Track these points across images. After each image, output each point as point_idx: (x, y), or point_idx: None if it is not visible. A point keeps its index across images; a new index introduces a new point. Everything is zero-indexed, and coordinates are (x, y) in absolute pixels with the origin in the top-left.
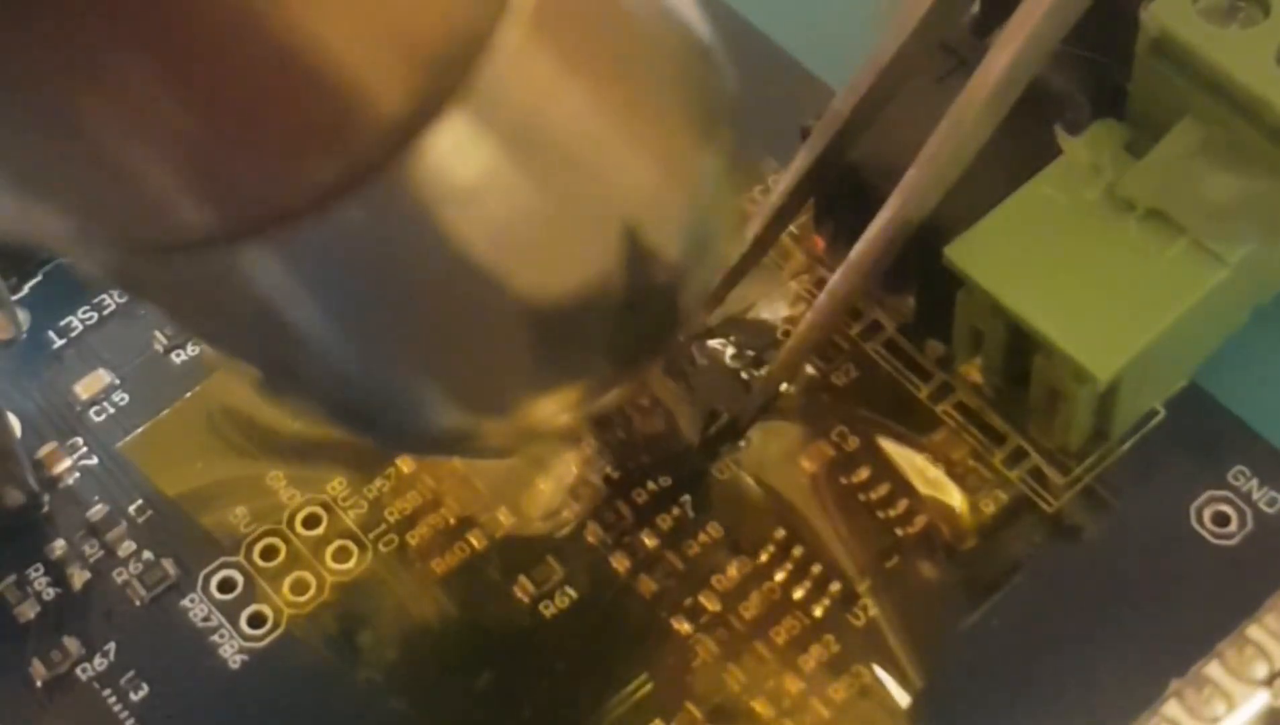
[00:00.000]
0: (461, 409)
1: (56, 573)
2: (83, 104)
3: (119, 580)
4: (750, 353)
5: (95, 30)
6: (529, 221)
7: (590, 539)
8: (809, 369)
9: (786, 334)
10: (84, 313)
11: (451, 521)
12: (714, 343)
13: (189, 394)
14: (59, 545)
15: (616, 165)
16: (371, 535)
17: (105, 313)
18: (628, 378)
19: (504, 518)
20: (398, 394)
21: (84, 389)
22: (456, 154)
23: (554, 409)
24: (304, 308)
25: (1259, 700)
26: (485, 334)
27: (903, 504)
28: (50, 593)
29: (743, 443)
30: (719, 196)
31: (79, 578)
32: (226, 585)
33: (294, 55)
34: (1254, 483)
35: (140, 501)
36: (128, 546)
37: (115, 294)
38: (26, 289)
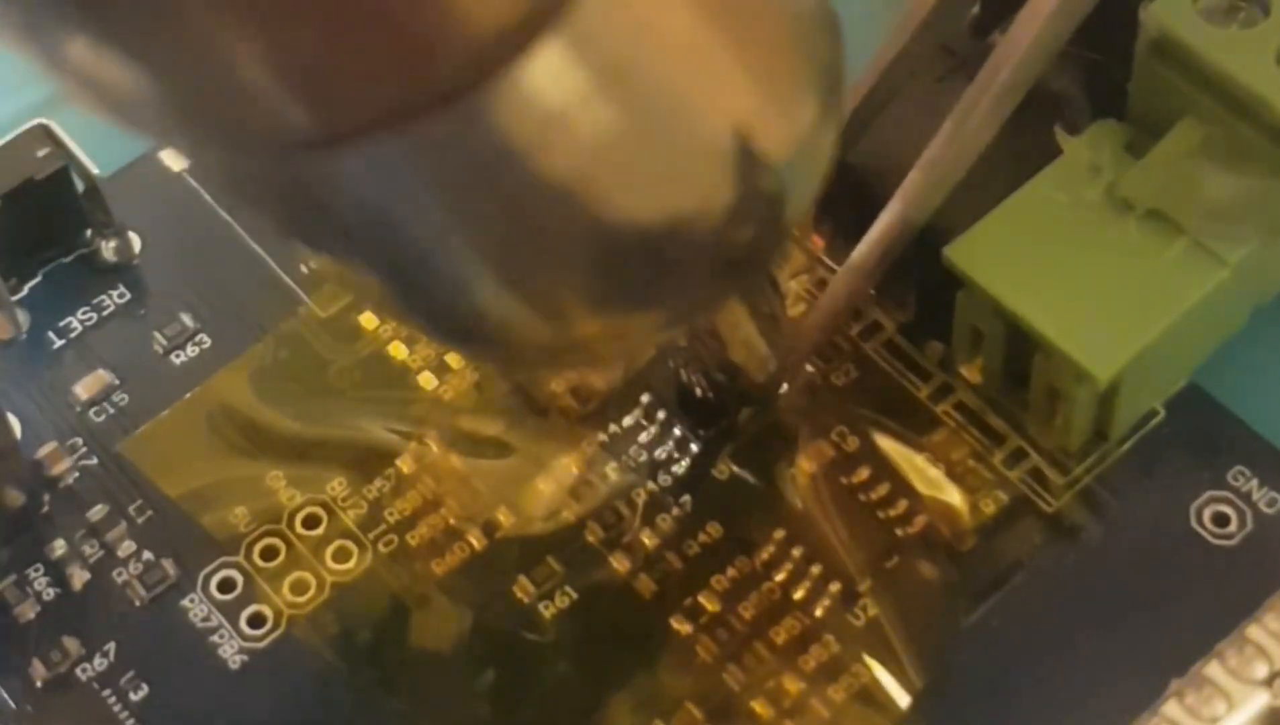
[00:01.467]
0: (560, 320)
1: (56, 573)
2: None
3: (119, 580)
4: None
5: None
6: (631, 140)
7: (590, 539)
8: (809, 369)
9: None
10: (84, 313)
11: (451, 521)
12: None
13: (189, 394)
14: (59, 545)
15: (719, 85)
16: (371, 535)
17: (105, 313)
18: (732, 292)
19: (504, 518)
20: (502, 308)
21: (84, 389)
22: (552, 78)
23: (659, 322)
24: (403, 216)
25: (1259, 700)
26: (587, 249)
27: (903, 504)
28: (50, 593)
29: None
30: (820, 134)
31: (79, 578)
32: (226, 585)
33: None
34: (1254, 483)
35: (140, 501)
36: (128, 546)
37: (115, 294)
38: (26, 289)
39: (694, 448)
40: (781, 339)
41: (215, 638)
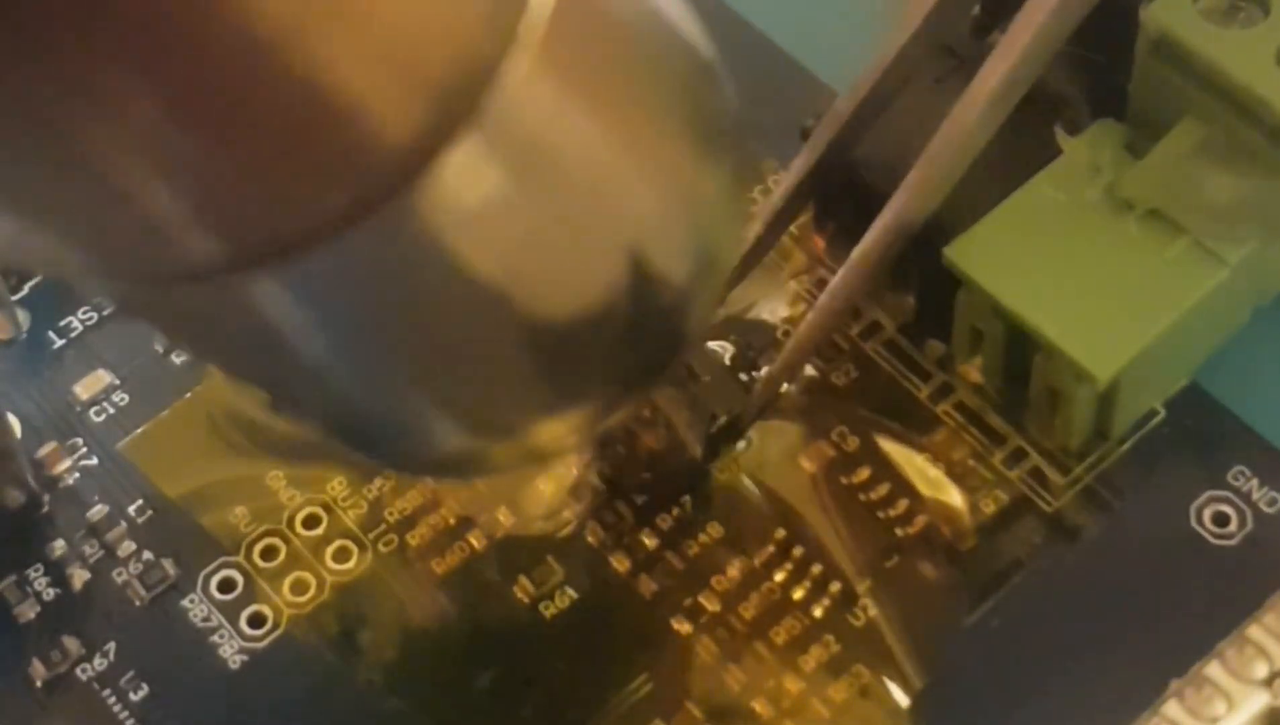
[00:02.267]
0: (467, 432)
1: (56, 573)
2: (84, 132)
3: (119, 580)
4: (750, 353)
5: (94, 56)
6: (536, 246)
7: (590, 539)
8: (809, 369)
9: (786, 334)
10: (84, 313)
11: (451, 521)
12: (713, 344)
13: (189, 394)
14: (59, 545)
15: (622, 190)
16: (371, 535)
17: (105, 313)
18: (634, 399)
19: (504, 518)
20: (402, 418)
21: (84, 389)
22: (465, 180)
23: (560, 431)
24: (309, 334)
25: (1259, 700)
26: (492, 358)
27: (903, 504)
28: (50, 593)
29: (743, 443)
30: (722, 216)
31: (79, 578)
32: (226, 585)
33: (304, 86)
34: (1254, 483)
35: (140, 501)
36: (128, 546)
37: None
38: (26, 289)
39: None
40: (698, 413)
41: (215, 638)
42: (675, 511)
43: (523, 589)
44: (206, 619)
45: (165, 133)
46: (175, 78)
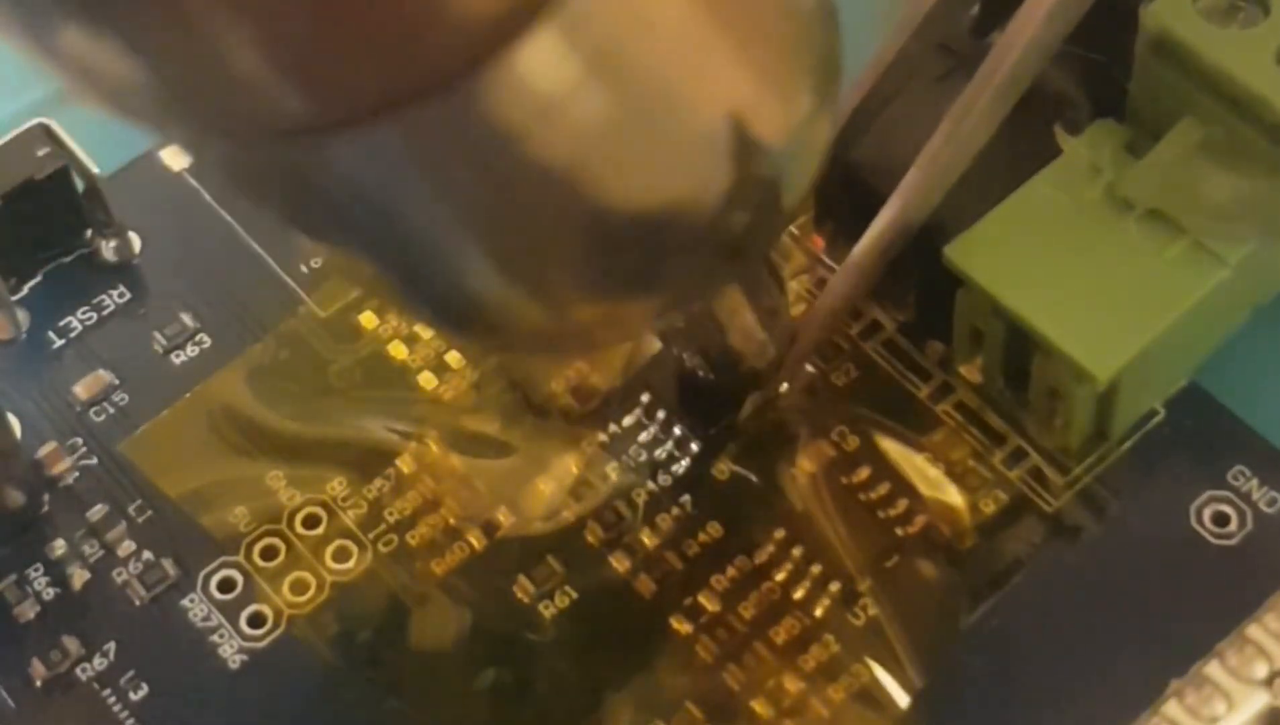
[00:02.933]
0: (556, 305)
1: (56, 573)
2: None
3: (119, 580)
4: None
5: None
6: (624, 126)
7: (590, 539)
8: (809, 368)
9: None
10: (84, 313)
11: (451, 521)
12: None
13: (189, 394)
14: (59, 545)
15: (714, 71)
16: (371, 535)
17: (105, 313)
18: (729, 279)
19: (504, 518)
20: (498, 293)
21: (84, 389)
22: (543, 66)
23: (655, 307)
24: (399, 203)
25: (1259, 700)
26: (565, 240)
27: (903, 504)
28: (50, 593)
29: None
30: (815, 124)
31: (79, 578)
32: (226, 585)
33: None
34: (1254, 483)
35: (140, 501)
36: (128, 546)
37: (115, 294)
38: (26, 289)
39: (694, 448)
40: (781, 330)
41: (215, 638)
42: (675, 511)
43: (523, 589)
44: (206, 619)
45: None
46: None
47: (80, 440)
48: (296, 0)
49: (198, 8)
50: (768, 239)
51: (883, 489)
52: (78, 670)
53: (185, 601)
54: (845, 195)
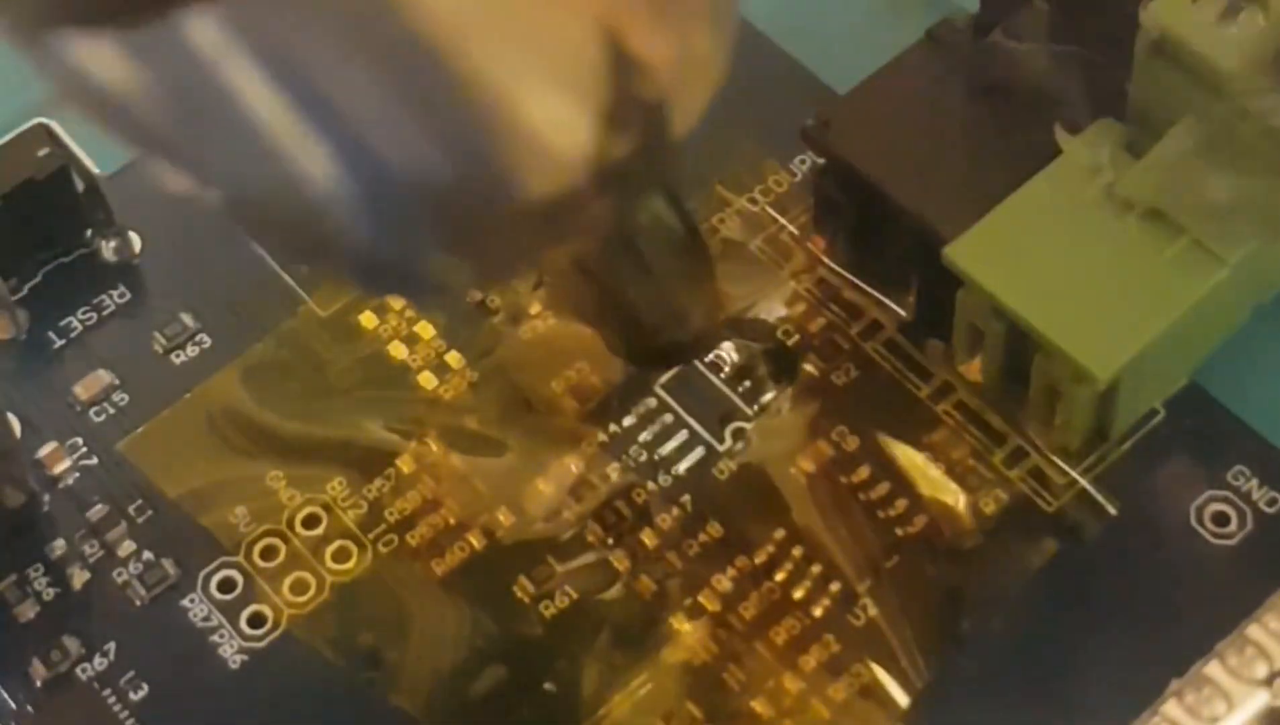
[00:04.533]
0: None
1: (56, 573)
2: None
3: (119, 580)
4: (750, 349)
5: None
6: (487, 26)
7: (590, 539)
8: (809, 369)
9: (786, 334)
10: (84, 313)
11: (451, 521)
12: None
13: (189, 394)
14: (59, 545)
15: None
16: (371, 535)
17: (105, 313)
18: (626, 208)
19: (504, 518)
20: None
21: (84, 389)
22: None
23: (538, 241)
24: (256, 100)
25: (1259, 700)
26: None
27: (903, 504)
28: (50, 593)
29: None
30: (705, 55)
31: (79, 578)
32: (226, 585)
33: None
34: (1254, 483)
35: (140, 501)
36: (128, 546)
37: (115, 294)
38: (26, 289)
39: (695, 448)
40: (706, 300)
41: (215, 638)
42: (675, 511)
43: (523, 589)
44: (206, 619)
45: None
46: None
47: (80, 440)
48: None
49: None
50: (660, 166)
51: (883, 489)
52: (78, 670)
53: (185, 601)
54: (845, 195)
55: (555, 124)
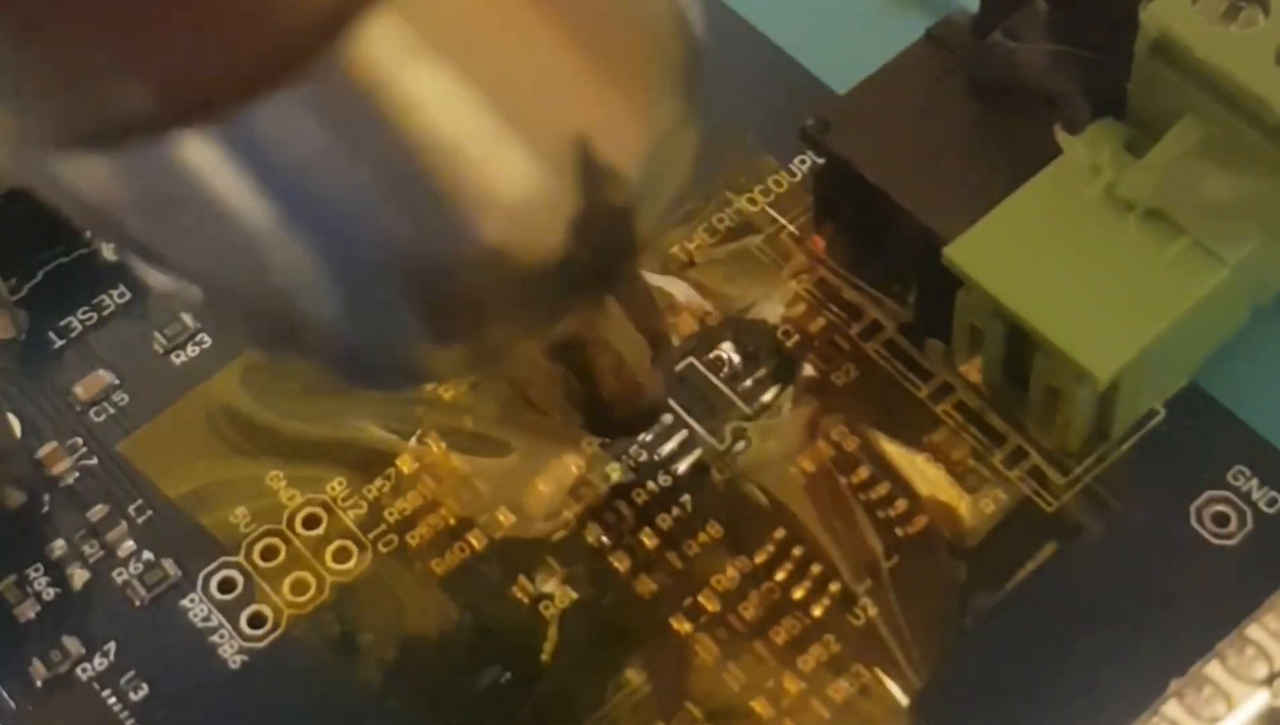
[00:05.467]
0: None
1: (56, 573)
2: None
3: (119, 580)
4: (750, 349)
5: None
6: (465, 130)
7: (590, 539)
8: (809, 369)
9: (786, 334)
10: (84, 313)
11: (451, 522)
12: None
13: (189, 394)
14: (59, 545)
15: (564, 79)
16: (371, 535)
17: (105, 313)
18: (584, 306)
19: (504, 518)
20: (336, 307)
21: (84, 389)
22: (388, 50)
23: (509, 335)
24: (245, 204)
25: (1259, 700)
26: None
27: (903, 504)
28: (50, 593)
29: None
30: (678, 138)
31: (79, 578)
32: (226, 585)
33: None
34: (1254, 483)
35: (140, 501)
36: (128, 546)
37: (115, 294)
38: (26, 289)
39: (694, 448)
40: (657, 375)
41: (215, 638)
42: (675, 511)
43: (523, 589)
44: (206, 619)
45: None
46: None
47: (80, 440)
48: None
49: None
50: (624, 263)
51: (883, 489)
52: (78, 670)
53: (185, 601)
54: (845, 195)
55: (530, 196)
